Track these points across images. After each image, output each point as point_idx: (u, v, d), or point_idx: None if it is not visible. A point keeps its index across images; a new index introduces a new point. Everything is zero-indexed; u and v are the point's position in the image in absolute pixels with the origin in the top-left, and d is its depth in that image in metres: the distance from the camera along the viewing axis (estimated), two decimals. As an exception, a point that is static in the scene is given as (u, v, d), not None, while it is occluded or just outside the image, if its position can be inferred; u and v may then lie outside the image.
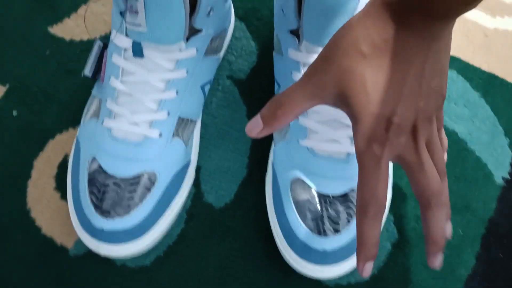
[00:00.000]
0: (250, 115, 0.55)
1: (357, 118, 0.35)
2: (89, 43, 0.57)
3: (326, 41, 0.45)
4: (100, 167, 0.47)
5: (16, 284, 0.50)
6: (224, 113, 0.55)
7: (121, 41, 0.46)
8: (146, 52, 0.46)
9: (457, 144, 0.54)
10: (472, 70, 0.57)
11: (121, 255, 0.47)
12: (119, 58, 0.47)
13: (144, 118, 0.47)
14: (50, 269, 0.50)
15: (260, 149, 0.54)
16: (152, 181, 0.48)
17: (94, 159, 0.48)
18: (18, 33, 0.58)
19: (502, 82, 0.57)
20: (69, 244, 0.51)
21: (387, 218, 0.51)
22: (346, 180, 0.47)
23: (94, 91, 0.51)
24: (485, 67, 0.57)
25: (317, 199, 0.47)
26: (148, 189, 0.47)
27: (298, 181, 0.47)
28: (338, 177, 0.47)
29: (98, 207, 0.47)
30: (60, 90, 0.56)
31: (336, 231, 0.46)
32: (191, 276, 0.50)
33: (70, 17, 0.58)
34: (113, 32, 0.47)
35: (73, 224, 0.49)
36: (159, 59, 0.46)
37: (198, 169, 0.53)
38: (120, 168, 0.47)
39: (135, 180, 0.47)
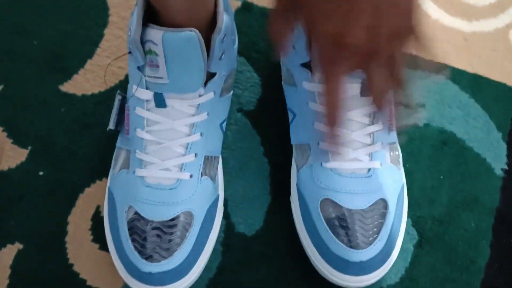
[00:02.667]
0: (265, 143, 0.58)
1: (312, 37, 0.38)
2: (100, 96, 0.60)
3: None
4: (138, 214, 0.50)
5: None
6: (241, 145, 0.58)
7: (142, 94, 0.49)
8: (168, 102, 0.49)
9: (456, 144, 0.59)
10: (458, 74, 0.62)
11: None
12: (142, 110, 0.50)
13: (175, 163, 0.50)
14: (102, 318, 0.53)
15: (279, 174, 0.57)
16: (188, 221, 0.51)
17: (130, 207, 0.50)
18: (31, 96, 0.60)
19: (487, 81, 0.62)
20: (116, 291, 0.53)
21: (407, 222, 0.55)
22: (371, 194, 0.51)
23: (119, 143, 0.54)
24: (469, 69, 0.62)
25: (346, 215, 0.50)
26: (186, 229, 0.50)
27: (326, 201, 0.51)
28: (363, 191, 0.51)
29: (142, 253, 0.49)
30: (81, 144, 0.58)
31: (369, 242, 0.50)
32: (236, 304, 0.53)
33: (78, 73, 0.61)
34: (134, 87, 0.50)
35: (119, 272, 0.51)
36: (181, 106, 0.49)
37: (225, 202, 0.56)
38: (157, 212, 0.50)
39: (173, 222, 0.50)
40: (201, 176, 0.52)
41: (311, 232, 0.52)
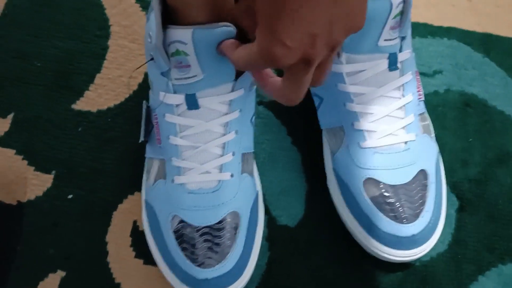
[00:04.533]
0: (292, 132, 0.58)
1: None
2: (117, 109, 0.58)
3: (363, 47, 0.48)
4: (184, 222, 0.49)
5: None
6: (268, 137, 0.58)
7: (171, 99, 0.48)
8: (201, 102, 0.48)
9: (479, 104, 0.59)
10: (468, 35, 0.62)
11: None
12: (173, 116, 0.49)
13: (214, 165, 0.49)
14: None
15: (312, 161, 0.57)
16: (236, 221, 0.50)
17: (175, 216, 0.49)
18: (44, 119, 0.58)
19: (497, 38, 0.62)
20: (169, 303, 0.52)
21: (446, 189, 0.55)
22: (411, 166, 0.51)
23: (149, 154, 0.52)
24: (478, 28, 0.63)
25: (391, 191, 0.50)
26: (235, 229, 0.49)
27: (369, 180, 0.50)
28: (403, 165, 0.50)
29: (195, 260, 0.48)
30: (106, 161, 0.56)
31: (417, 215, 0.50)
32: (292, 296, 0.53)
33: (89, 89, 0.59)
34: (161, 94, 0.48)
35: (173, 283, 0.50)
36: (214, 104, 0.48)
37: (263, 197, 0.55)
38: (204, 217, 0.49)
39: (221, 225, 0.49)
40: (242, 173, 0.51)
41: (356, 213, 0.52)
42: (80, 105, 0.58)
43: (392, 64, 0.49)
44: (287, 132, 0.58)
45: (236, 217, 0.50)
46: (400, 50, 0.50)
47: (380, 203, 0.50)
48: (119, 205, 0.55)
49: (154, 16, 0.45)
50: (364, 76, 0.49)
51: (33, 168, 0.56)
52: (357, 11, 0.33)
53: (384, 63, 0.49)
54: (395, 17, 0.47)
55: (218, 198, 0.49)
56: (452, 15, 0.63)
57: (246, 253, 0.50)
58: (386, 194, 0.50)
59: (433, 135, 0.54)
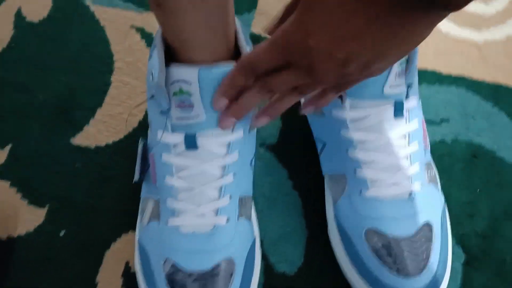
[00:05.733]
0: (293, 176, 0.56)
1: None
2: (116, 145, 0.57)
3: (368, 93, 0.47)
4: (175, 266, 0.47)
5: None
6: (269, 180, 0.56)
7: (170, 138, 0.47)
8: (200, 142, 0.46)
9: (487, 155, 0.58)
10: (478, 84, 0.61)
11: None
12: (169, 156, 0.47)
13: (210, 208, 0.47)
14: None
15: (313, 207, 0.55)
16: (230, 268, 0.48)
17: (167, 259, 0.47)
18: (42, 152, 0.57)
19: (506, 88, 0.61)
20: None
21: (452, 242, 0.53)
22: (415, 217, 0.49)
23: (145, 193, 0.51)
24: (488, 78, 0.61)
25: (393, 243, 0.48)
26: (229, 276, 0.47)
27: (371, 230, 0.49)
28: (407, 216, 0.49)
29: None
30: (101, 199, 0.55)
31: (420, 268, 0.48)
32: None
33: (89, 123, 0.58)
34: (159, 133, 0.47)
35: None
36: (213, 145, 0.47)
37: (261, 243, 0.53)
38: (197, 262, 0.47)
39: (215, 271, 0.47)
40: (238, 218, 0.49)
41: (357, 264, 0.50)
42: (79, 140, 0.57)
43: (398, 111, 0.48)
44: (288, 176, 0.56)
45: (231, 264, 0.48)
46: (406, 97, 0.49)
47: (383, 255, 0.48)
48: (112, 244, 0.53)
49: (157, 53, 0.45)
50: (368, 122, 0.48)
51: (26, 201, 0.55)
52: (386, 63, 0.33)
53: (390, 110, 0.48)
54: (400, 64, 0.47)
55: (213, 243, 0.47)
56: (461, 64, 0.62)
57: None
58: (388, 245, 0.48)
59: (438, 184, 0.53)
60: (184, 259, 0.47)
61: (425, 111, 0.56)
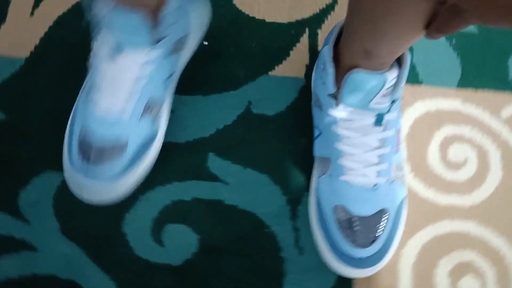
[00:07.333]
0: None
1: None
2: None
3: (357, 103, 0.60)
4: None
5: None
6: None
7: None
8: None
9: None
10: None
11: None
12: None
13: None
14: None
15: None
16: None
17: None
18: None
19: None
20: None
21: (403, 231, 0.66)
22: (375, 203, 0.63)
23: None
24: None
25: (354, 219, 0.62)
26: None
27: (339, 206, 0.63)
28: (368, 201, 0.63)
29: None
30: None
31: (369, 243, 0.62)
32: None
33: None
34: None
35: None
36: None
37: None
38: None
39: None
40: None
41: (324, 229, 0.64)
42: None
43: (378, 121, 0.61)
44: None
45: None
46: (388, 111, 0.61)
47: (344, 227, 0.62)
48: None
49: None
50: (353, 124, 0.61)
51: None
52: None
53: (371, 119, 0.61)
54: (388, 88, 0.59)
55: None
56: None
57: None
58: (350, 220, 0.62)
59: (404, 183, 0.66)
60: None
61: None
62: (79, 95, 0.67)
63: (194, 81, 0.75)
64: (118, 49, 0.60)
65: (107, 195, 0.64)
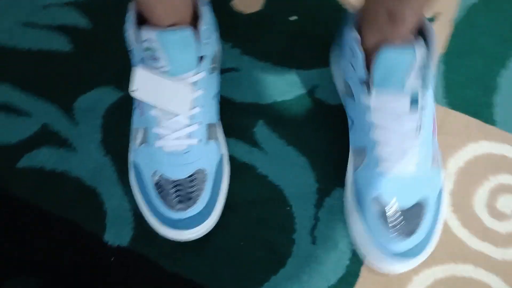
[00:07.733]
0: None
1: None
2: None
3: (391, 86, 0.58)
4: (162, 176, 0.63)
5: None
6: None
7: None
8: None
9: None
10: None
11: None
12: None
13: (184, 132, 0.63)
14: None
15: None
16: (203, 176, 0.64)
17: (156, 171, 0.64)
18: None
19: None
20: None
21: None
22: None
23: (135, 124, 0.67)
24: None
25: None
26: (203, 182, 0.63)
27: (376, 198, 0.60)
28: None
29: (172, 205, 0.62)
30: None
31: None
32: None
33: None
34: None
35: (153, 225, 0.64)
36: None
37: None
38: (177, 173, 0.63)
39: (191, 178, 0.63)
40: (207, 140, 0.64)
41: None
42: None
43: (414, 105, 0.58)
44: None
45: (203, 173, 0.63)
46: (422, 95, 0.59)
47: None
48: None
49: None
50: (386, 111, 0.59)
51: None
52: None
53: (406, 104, 0.58)
54: (419, 69, 0.57)
55: (188, 158, 0.62)
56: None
57: (212, 200, 0.64)
58: (388, 212, 0.60)
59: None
60: (167, 170, 0.63)
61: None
62: (133, 150, 0.67)
63: (270, 47, 0.77)
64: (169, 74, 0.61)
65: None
